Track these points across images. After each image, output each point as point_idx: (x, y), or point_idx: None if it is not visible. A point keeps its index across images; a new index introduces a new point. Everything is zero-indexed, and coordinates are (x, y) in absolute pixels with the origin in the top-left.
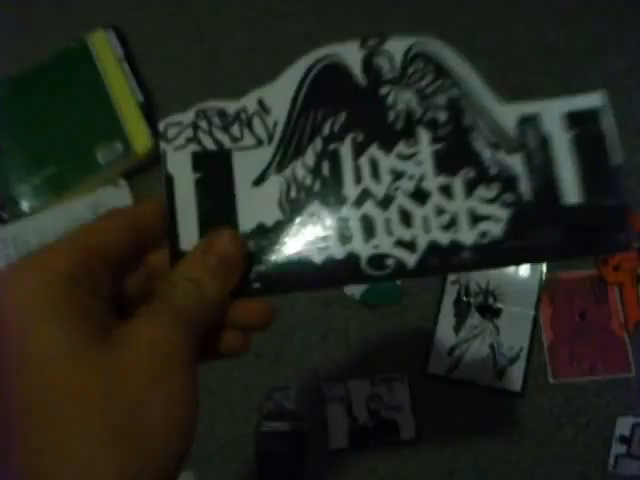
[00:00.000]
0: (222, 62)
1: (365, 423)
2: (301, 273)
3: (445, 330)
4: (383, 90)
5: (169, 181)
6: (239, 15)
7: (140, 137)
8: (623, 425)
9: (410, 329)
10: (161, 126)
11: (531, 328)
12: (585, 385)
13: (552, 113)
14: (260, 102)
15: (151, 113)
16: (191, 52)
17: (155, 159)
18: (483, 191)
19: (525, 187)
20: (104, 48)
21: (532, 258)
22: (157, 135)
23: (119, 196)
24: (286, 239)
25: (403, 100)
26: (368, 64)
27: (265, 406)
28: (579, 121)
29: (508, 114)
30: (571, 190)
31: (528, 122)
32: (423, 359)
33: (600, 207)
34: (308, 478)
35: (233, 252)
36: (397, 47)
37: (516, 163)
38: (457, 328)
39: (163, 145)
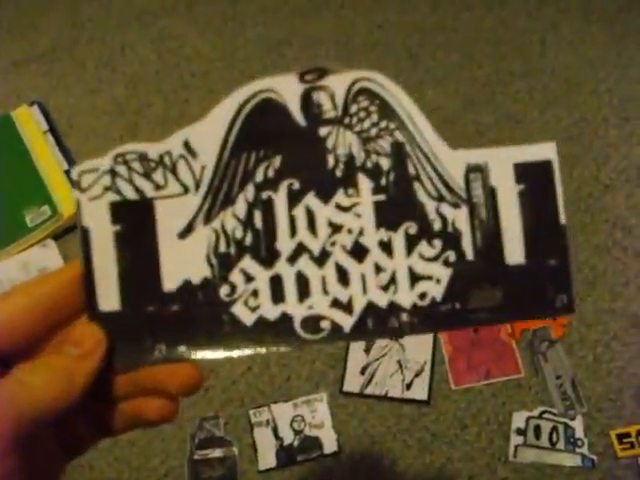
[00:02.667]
0: (141, 132)
1: (291, 442)
2: (231, 335)
3: (357, 352)
4: (323, 131)
5: (85, 235)
6: (155, 89)
7: (67, 201)
8: (518, 419)
9: (326, 354)
10: (74, 174)
11: (432, 344)
12: (483, 389)
13: (501, 163)
14: (186, 144)
15: None
16: (111, 124)
17: None
18: (424, 248)
19: (468, 245)
20: (29, 122)
21: (471, 322)
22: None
23: (48, 256)
24: (214, 298)
25: (344, 143)
26: (307, 101)
27: (197, 435)
28: (529, 173)
29: (455, 162)
30: (515, 249)
31: (475, 172)
32: (339, 379)
33: (543, 268)
34: None
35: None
36: (339, 82)
37: (461, 218)
38: (367, 349)
39: (77, 195)
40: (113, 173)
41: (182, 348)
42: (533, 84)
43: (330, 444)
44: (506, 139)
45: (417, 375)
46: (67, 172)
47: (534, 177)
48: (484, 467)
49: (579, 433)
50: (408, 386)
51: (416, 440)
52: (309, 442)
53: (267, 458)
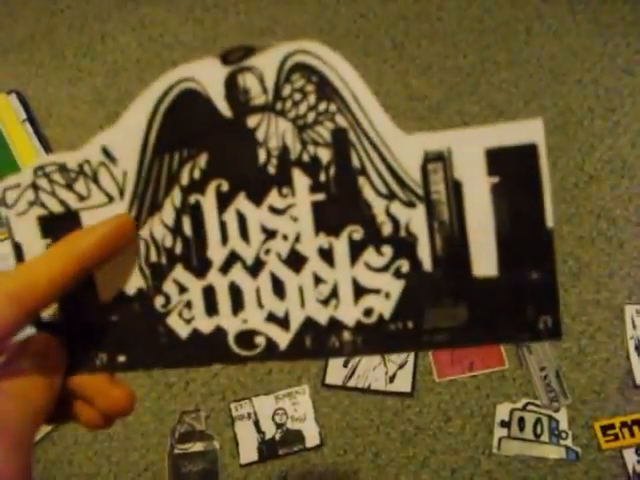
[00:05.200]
0: None
1: (273, 436)
2: (167, 347)
3: None
4: (251, 121)
5: (18, 250)
6: (136, 77)
7: None
8: (502, 411)
9: None
10: None
11: None
12: (466, 381)
13: (469, 149)
14: (104, 150)
15: None
16: (91, 113)
17: None
18: (372, 256)
19: (425, 252)
20: (7, 111)
21: (426, 345)
22: None
23: None
24: (149, 309)
25: (277, 134)
26: (232, 87)
27: (177, 429)
28: (506, 162)
29: (410, 151)
30: (486, 258)
31: (435, 162)
32: (322, 372)
33: (522, 282)
34: None
35: None
36: (268, 60)
37: (416, 219)
38: None
39: (4, 212)
40: (35, 187)
41: (122, 358)
42: (518, 74)
43: (312, 437)
44: None
45: (400, 367)
46: None
47: (513, 167)
48: (468, 460)
49: (563, 425)
50: (391, 378)
51: (399, 433)
52: (291, 435)
53: (249, 452)
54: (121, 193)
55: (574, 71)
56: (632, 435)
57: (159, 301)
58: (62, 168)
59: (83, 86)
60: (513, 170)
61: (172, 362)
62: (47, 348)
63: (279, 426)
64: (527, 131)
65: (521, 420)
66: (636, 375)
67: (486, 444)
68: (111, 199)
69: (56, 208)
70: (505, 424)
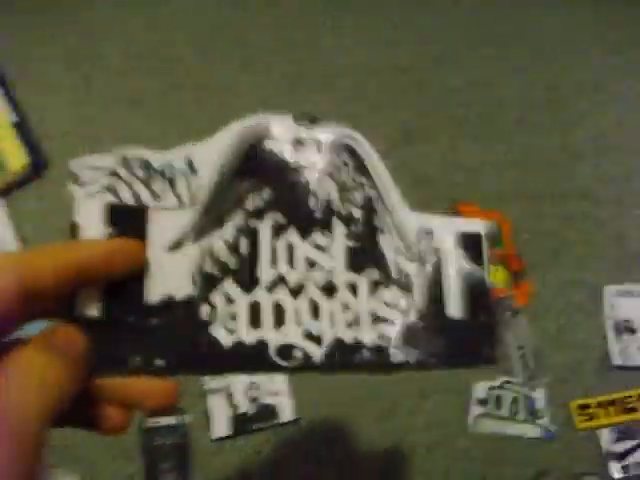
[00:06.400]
0: (96, 83)
1: (246, 410)
2: (208, 355)
3: None
4: (308, 174)
5: (75, 231)
6: (110, 39)
7: (14, 155)
8: (479, 389)
9: None
10: (73, 166)
11: None
12: None
13: (446, 230)
14: (188, 161)
15: (27, 132)
16: (64, 75)
17: (31, 176)
18: (384, 293)
19: (418, 295)
20: None
21: (419, 365)
22: (71, 177)
23: None
24: (195, 317)
25: (324, 189)
26: (298, 144)
27: None
28: (466, 241)
29: (411, 222)
30: (455, 304)
31: (425, 233)
32: None
33: (476, 322)
34: (195, 468)
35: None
36: (327, 134)
37: (413, 271)
38: None
39: (74, 189)
40: (115, 174)
41: (159, 362)
42: (504, 49)
43: (287, 412)
44: (477, 103)
45: None
46: (16, 125)
47: (470, 245)
48: (444, 437)
49: (540, 404)
50: None
51: (375, 409)
52: (265, 410)
53: (221, 426)
54: (192, 202)
55: (562, 48)
56: (607, 415)
57: (205, 310)
58: (146, 165)
59: (56, 46)
60: (470, 246)
61: (213, 369)
62: (72, 341)
63: (252, 400)
64: (478, 226)
65: (498, 398)
66: (613, 356)
67: (462, 422)
68: (182, 205)
69: (128, 199)
70: (482, 402)
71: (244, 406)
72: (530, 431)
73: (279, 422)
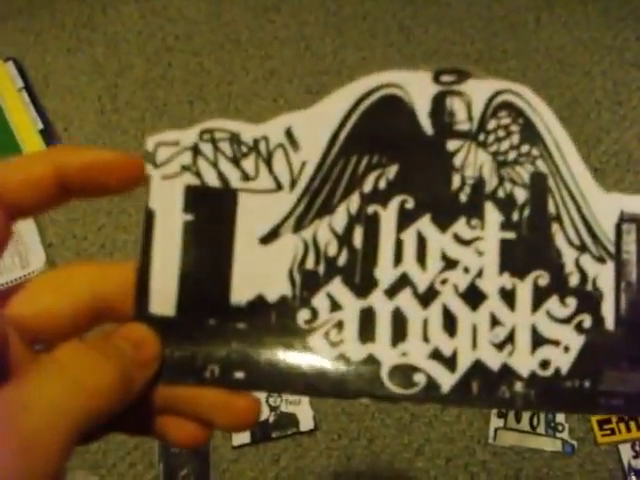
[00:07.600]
0: (121, 94)
1: (266, 418)
2: (300, 371)
3: None
4: (452, 145)
5: (149, 218)
6: (137, 50)
7: None
8: None
9: None
10: (150, 144)
11: None
12: None
13: None
14: (288, 133)
15: (52, 140)
16: (90, 84)
17: None
18: (555, 306)
19: (609, 310)
20: (4, 79)
21: (602, 408)
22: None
23: None
24: (290, 323)
25: (475, 163)
26: (439, 106)
27: None
28: None
29: (606, 208)
30: None
31: (630, 223)
32: None
33: None
34: (214, 476)
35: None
36: (480, 91)
37: (605, 276)
38: None
39: (149, 170)
40: (196, 151)
41: (239, 374)
42: (526, 63)
43: (307, 421)
44: None
45: None
46: (42, 132)
47: None
48: (463, 449)
49: (560, 418)
50: None
51: (395, 420)
52: (285, 419)
53: (241, 434)
54: (293, 184)
55: (582, 63)
56: (628, 430)
57: (303, 315)
58: (234, 138)
59: (82, 56)
60: None
61: (307, 389)
62: (138, 342)
63: (273, 409)
64: None
65: (518, 411)
66: None
67: (482, 434)
68: (279, 187)
69: (213, 181)
70: (502, 415)
71: (265, 414)
72: (550, 445)
73: (299, 431)
